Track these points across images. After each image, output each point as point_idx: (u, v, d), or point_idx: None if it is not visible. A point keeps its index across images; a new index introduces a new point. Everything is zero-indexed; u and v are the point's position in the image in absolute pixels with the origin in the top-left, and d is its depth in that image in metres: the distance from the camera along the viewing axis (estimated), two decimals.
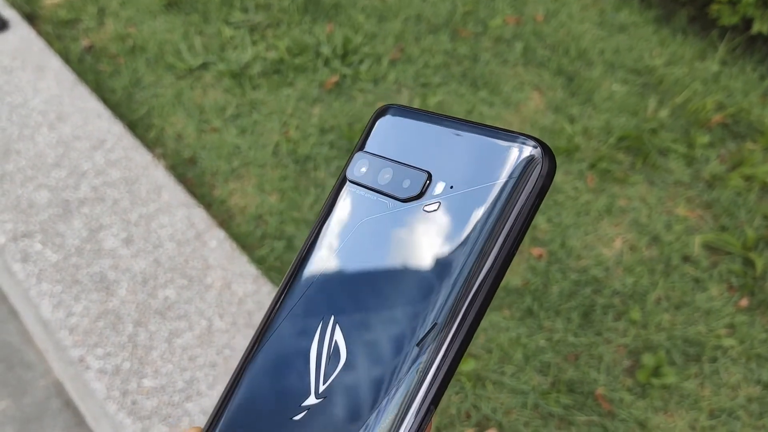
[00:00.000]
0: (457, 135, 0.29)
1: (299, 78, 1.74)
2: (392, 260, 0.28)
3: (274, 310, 0.31)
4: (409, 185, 0.29)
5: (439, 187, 0.28)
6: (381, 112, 0.32)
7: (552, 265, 1.41)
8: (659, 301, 1.38)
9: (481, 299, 0.26)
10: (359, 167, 0.31)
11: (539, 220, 1.49)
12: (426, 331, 0.26)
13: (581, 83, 1.80)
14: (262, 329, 0.31)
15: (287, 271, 0.32)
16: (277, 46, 1.80)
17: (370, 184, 0.30)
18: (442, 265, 0.27)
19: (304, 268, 0.31)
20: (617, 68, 1.85)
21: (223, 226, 1.40)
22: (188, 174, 1.53)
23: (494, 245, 0.26)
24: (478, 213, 0.27)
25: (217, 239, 1.33)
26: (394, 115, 0.31)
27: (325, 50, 1.79)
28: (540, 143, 0.27)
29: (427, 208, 0.28)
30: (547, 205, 1.51)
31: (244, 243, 1.40)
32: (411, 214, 0.28)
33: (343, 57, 1.78)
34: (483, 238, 0.26)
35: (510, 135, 0.27)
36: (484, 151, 0.27)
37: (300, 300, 0.30)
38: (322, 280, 0.30)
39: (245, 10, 1.91)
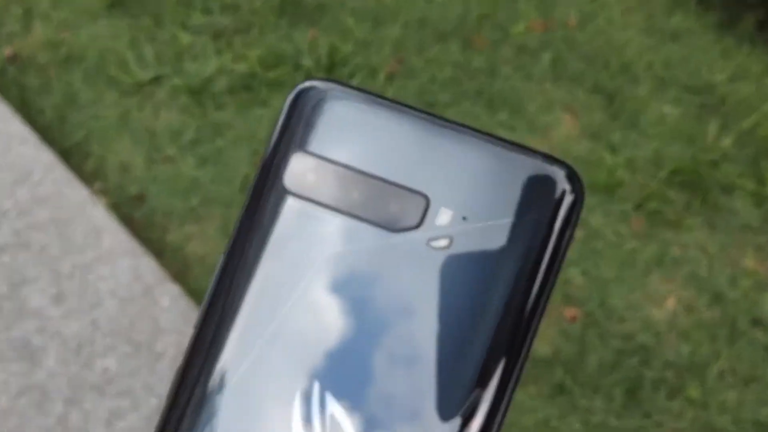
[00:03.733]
0: (448, 141, 0.27)
1: (274, 96, 1.75)
2: (391, 310, 0.27)
3: (198, 361, 0.27)
4: (399, 210, 0.27)
5: (444, 216, 0.27)
6: (312, 93, 0.28)
7: (589, 329, 1.44)
8: (723, 375, 1.39)
9: (522, 360, 0.26)
10: (302, 174, 0.28)
11: (572, 273, 1.51)
12: (467, 400, 0.26)
13: (624, 103, 1.80)
14: (180, 387, 0.28)
15: (200, 320, 0.27)
16: (247, 56, 1.81)
17: (327, 201, 0.28)
18: (467, 319, 0.26)
19: (235, 314, 0.27)
20: (669, 85, 1.85)
21: (179, 280, 1.42)
22: (135, 214, 1.55)
23: (530, 294, 0.26)
24: (505, 254, 0.26)
25: (170, 296, 1.36)
26: (337, 98, 0.28)
27: (307, 61, 1.80)
28: (568, 166, 0.27)
29: (434, 243, 0.27)
30: (583, 254, 1.53)
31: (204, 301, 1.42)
32: (409, 250, 0.27)
33: (330, 70, 1.81)
34: (515, 286, 0.26)
35: (529, 152, 0.27)
36: (495, 170, 0.27)
37: (246, 358, 0.27)
38: (279, 333, 0.27)
39: (208, 12, 1.94)
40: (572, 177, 0.27)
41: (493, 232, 0.27)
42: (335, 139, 0.28)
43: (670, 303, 1.49)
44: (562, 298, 1.49)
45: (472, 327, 0.26)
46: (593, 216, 1.60)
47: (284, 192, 0.28)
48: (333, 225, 0.28)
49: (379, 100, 0.28)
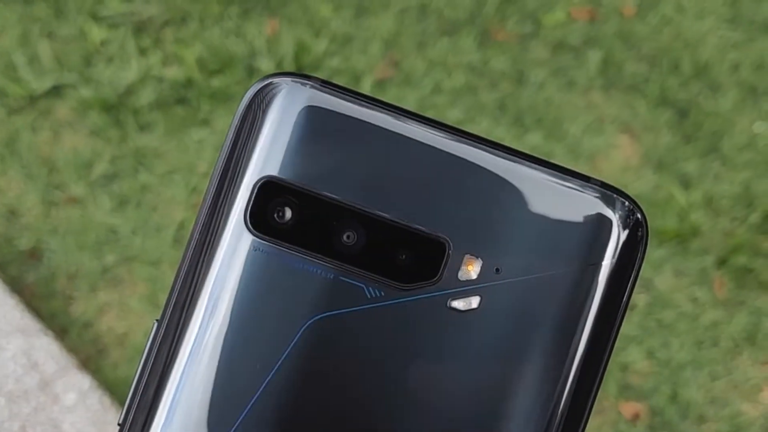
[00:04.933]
0: (471, 164, 0.26)
1: (219, 111, 1.65)
2: (397, 394, 0.26)
3: None
4: (408, 259, 0.26)
5: (471, 267, 0.26)
6: (278, 93, 0.26)
7: (656, 431, 1.40)
8: None
9: None
10: (274, 209, 0.26)
11: (632, 354, 1.44)
12: None
13: (701, 120, 1.72)
14: None
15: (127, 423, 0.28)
16: (183, 57, 1.71)
17: (307, 247, 0.26)
18: (497, 410, 0.26)
19: (178, 413, 0.27)
20: (762, 95, 1.78)
21: (89, 368, 1.37)
22: (27, 277, 1.48)
23: (578, 376, 0.25)
24: (552, 320, 0.26)
25: (77, 390, 1.31)
26: (314, 100, 0.26)
27: (265, 64, 1.71)
28: (626, 195, 0.27)
29: (457, 304, 0.26)
30: (647, 329, 1.46)
31: (125, 396, 1.18)
32: (422, 313, 0.26)
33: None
34: (561, 363, 0.26)
35: (577, 179, 0.27)
36: (536, 204, 0.26)
37: None
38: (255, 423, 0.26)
39: None
40: (630, 210, 0.27)
41: (535, 289, 0.26)
42: (314, 159, 0.26)
43: (767, 395, 1.45)
44: (620, 388, 1.43)
45: (505, 422, 0.26)
46: (661, 276, 1.53)
47: (246, 235, 0.26)
48: (317, 280, 0.26)
49: (374, 104, 0.27)
